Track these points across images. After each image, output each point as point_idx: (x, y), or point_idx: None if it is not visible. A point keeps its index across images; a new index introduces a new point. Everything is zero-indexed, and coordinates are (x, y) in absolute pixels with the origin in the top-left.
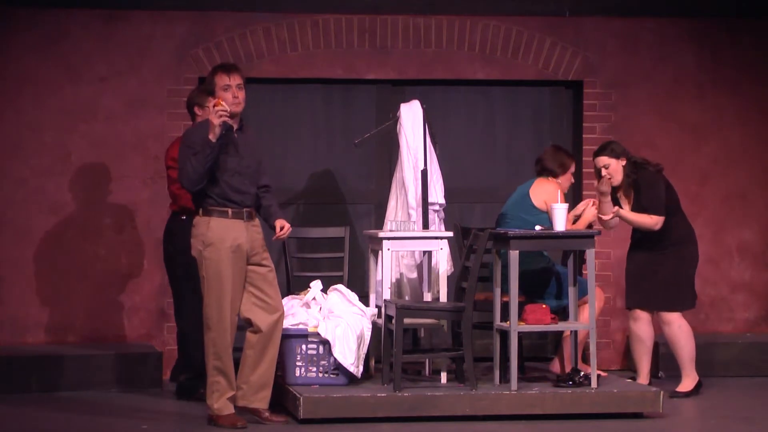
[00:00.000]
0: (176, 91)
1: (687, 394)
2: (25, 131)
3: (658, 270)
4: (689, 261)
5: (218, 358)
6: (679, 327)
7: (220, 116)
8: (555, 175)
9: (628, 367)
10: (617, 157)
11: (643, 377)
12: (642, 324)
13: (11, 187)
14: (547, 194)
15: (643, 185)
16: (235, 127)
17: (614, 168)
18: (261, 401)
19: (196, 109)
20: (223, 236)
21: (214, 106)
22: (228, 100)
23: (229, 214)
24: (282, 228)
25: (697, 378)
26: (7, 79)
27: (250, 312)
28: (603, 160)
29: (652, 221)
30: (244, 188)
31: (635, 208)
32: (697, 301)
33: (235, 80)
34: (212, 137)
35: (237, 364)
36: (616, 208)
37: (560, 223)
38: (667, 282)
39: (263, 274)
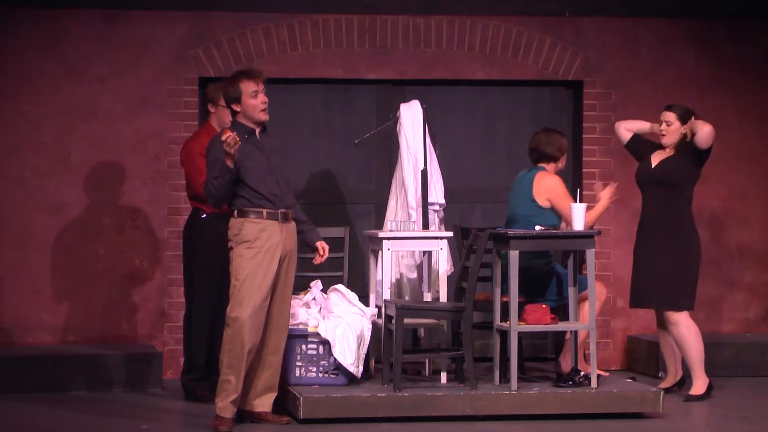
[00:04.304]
0: (176, 91)
1: (700, 398)
2: (25, 131)
3: (661, 266)
4: (695, 259)
5: (233, 357)
6: (686, 327)
7: (230, 147)
8: (556, 159)
9: (628, 367)
10: (683, 123)
11: (672, 378)
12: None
13: (11, 187)
14: (550, 192)
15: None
16: (257, 129)
17: (674, 129)
18: (263, 405)
19: (210, 106)
20: (257, 236)
21: (223, 138)
22: (258, 107)
23: (264, 215)
24: (324, 250)
25: (707, 380)
26: (7, 79)
27: None
28: (669, 116)
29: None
30: (277, 189)
31: (668, 162)
32: (697, 301)
33: (262, 86)
34: (230, 164)
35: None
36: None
37: (579, 223)
38: (669, 280)
39: (280, 280)
